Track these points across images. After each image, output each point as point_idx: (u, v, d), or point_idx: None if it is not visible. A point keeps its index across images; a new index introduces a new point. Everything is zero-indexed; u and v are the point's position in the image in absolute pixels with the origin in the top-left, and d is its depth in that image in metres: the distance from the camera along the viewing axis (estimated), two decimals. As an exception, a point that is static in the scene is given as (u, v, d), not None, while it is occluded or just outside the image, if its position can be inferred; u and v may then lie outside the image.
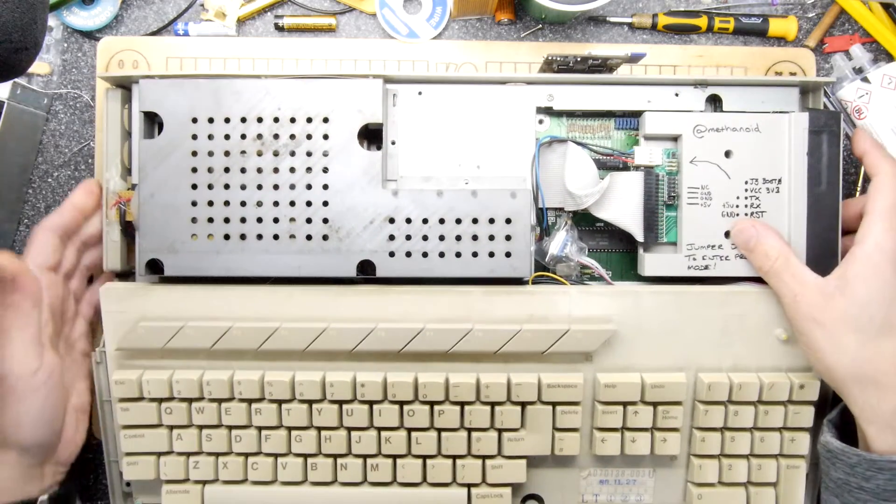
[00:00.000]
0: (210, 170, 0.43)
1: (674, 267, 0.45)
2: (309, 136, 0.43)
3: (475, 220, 0.43)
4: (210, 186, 0.43)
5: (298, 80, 0.43)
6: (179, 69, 0.52)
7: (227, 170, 0.43)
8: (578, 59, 0.44)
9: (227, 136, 0.43)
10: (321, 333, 0.43)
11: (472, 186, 0.45)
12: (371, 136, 0.46)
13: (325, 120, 0.43)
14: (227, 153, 0.43)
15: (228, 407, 0.45)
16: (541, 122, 0.47)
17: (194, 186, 0.43)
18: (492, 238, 0.43)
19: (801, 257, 0.44)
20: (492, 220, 0.43)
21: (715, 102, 0.46)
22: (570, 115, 0.48)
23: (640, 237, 0.46)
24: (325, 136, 0.43)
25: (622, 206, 0.45)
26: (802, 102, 0.47)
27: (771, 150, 0.44)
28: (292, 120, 0.43)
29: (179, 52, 0.53)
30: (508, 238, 0.43)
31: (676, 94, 0.46)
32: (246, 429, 0.45)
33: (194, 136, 0.43)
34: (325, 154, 0.43)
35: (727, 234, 0.45)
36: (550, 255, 0.46)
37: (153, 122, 0.46)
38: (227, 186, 0.43)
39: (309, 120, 0.43)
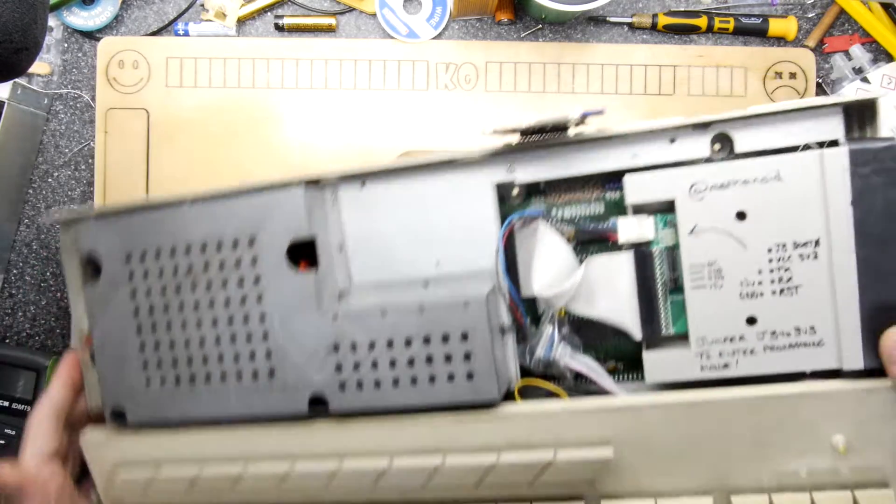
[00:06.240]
0: (151, 310, 0.39)
1: (683, 368, 0.35)
2: (237, 263, 0.38)
3: (427, 340, 0.36)
4: (153, 328, 0.39)
5: (218, 200, 0.39)
6: (179, 69, 0.52)
7: (166, 308, 0.39)
8: (525, 129, 0.35)
9: (160, 273, 0.39)
10: (283, 482, 0.38)
11: (432, 288, 0.38)
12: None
13: (251, 242, 0.38)
14: (163, 290, 0.39)
15: None
16: (515, 192, 0.38)
17: (139, 329, 0.39)
18: (448, 359, 0.36)
19: (857, 341, 0.33)
20: (445, 338, 0.36)
21: (723, 142, 0.35)
22: (551, 182, 0.38)
23: (637, 334, 0.35)
24: (254, 261, 0.38)
25: (610, 297, 0.36)
26: (847, 128, 0.34)
27: (800, 204, 0.33)
28: (218, 247, 0.38)
29: (179, 52, 0.53)
30: (468, 357, 0.35)
31: (672, 141, 0.35)
32: None
33: (130, 276, 0.39)
34: (257, 281, 0.38)
35: (751, 321, 0.34)
36: (537, 359, 0.37)
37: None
38: (168, 326, 0.39)
39: (234, 245, 0.38)
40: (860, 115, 0.34)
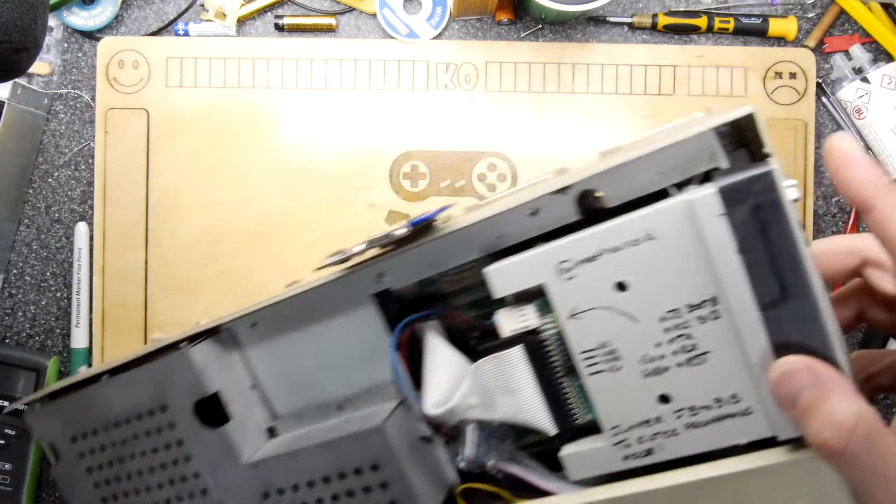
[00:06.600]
0: (108, 482, 0.42)
1: (605, 461, 0.31)
2: (159, 430, 0.39)
3: (342, 476, 0.35)
4: (115, 498, 0.42)
5: (128, 372, 0.40)
6: (179, 69, 0.52)
7: (118, 479, 0.41)
8: (353, 255, 0.33)
9: (102, 448, 0.41)
10: None
11: (347, 410, 0.38)
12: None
13: (164, 409, 0.39)
14: (110, 463, 0.41)
15: None
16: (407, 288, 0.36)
17: (104, 501, 0.42)
18: (368, 490, 0.34)
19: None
20: (358, 472, 0.35)
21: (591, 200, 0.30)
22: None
23: (550, 430, 0.31)
24: (171, 426, 0.39)
25: (511, 397, 0.32)
26: (740, 143, 0.28)
27: (683, 262, 0.28)
28: (139, 417, 0.40)
29: (179, 52, 0.53)
30: (384, 486, 0.34)
31: (534, 213, 0.30)
32: None
33: (81, 455, 0.42)
34: (180, 444, 0.39)
35: (664, 399, 0.29)
36: (469, 461, 0.34)
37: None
38: (126, 494, 0.41)
39: (151, 413, 0.39)
40: (748, 129, 0.28)
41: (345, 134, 0.53)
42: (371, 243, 0.32)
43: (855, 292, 0.31)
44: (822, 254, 0.30)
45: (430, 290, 0.35)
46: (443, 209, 0.32)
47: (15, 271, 0.55)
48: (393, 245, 0.33)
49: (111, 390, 0.40)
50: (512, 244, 0.31)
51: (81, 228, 0.53)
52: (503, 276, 0.30)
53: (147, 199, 0.53)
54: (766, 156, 0.26)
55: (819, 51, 0.54)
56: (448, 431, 0.34)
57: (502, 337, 0.31)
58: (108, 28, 0.54)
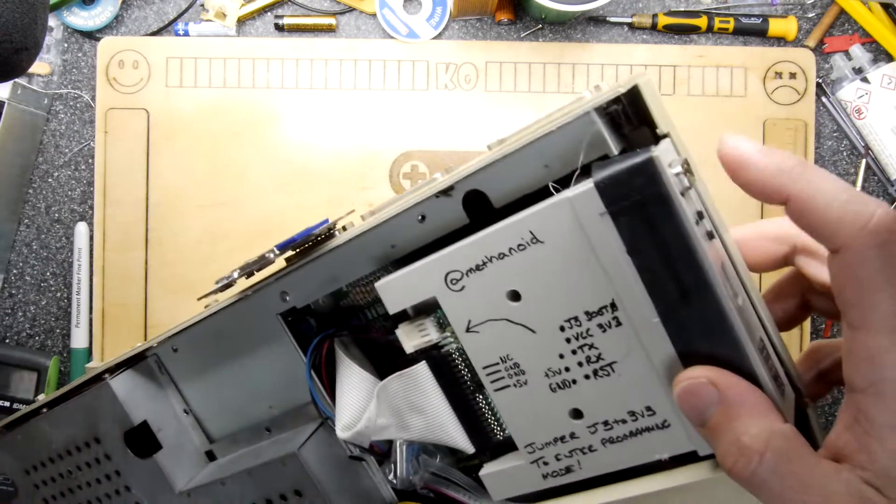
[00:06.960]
0: None
1: (525, 480, 0.29)
2: (97, 461, 0.40)
3: (268, 502, 0.35)
4: None
5: (61, 405, 0.40)
6: (179, 69, 0.52)
7: None
8: (229, 283, 0.32)
9: (53, 479, 0.42)
10: None
11: (274, 432, 0.37)
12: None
13: (98, 441, 0.39)
14: (62, 493, 0.42)
15: None
16: (321, 302, 0.34)
17: None
18: None
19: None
20: (283, 498, 0.34)
21: (481, 203, 0.28)
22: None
23: (468, 448, 0.30)
24: (107, 457, 0.39)
25: (423, 415, 0.30)
26: (628, 130, 0.25)
27: (575, 266, 0.25)
28: (77, 449, 0.40)
29: (179, 52, 0.53)
30: None
31: (422, 219, 0.28)
32: None
33: (36, 486, 0.43)
34: (118, 474, 0.39)
35: (577, 414, 0.27)
36: (401, 480, 0.33)
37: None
38: None
39: (87, 445, 0.40)
40: (636, 108, 0.24)
41: (345, 134, 0.53)
42: (243, 270, 0.30)
43: (794, 281, 0.28)
44: (747, 241, 0.27)
45: (346, 303, 0.33)
46: (321, 223, 0.30)
47: (15, 271, 0.55)
48: (295, 259, 0.32)
49: (49, 424, 0.40)
50: (408, 253, 0.29)
51: (81, 228, 0.53)
52: (393, 291, 0.28)
53: (147, 199, 0.53)
54: (663, 136, 0.23)
55: (819, 51, 0.54)
56: (380, 449, 0.33)
57: (406, 353, 0.29)
58: (108, 28, 0.54)
